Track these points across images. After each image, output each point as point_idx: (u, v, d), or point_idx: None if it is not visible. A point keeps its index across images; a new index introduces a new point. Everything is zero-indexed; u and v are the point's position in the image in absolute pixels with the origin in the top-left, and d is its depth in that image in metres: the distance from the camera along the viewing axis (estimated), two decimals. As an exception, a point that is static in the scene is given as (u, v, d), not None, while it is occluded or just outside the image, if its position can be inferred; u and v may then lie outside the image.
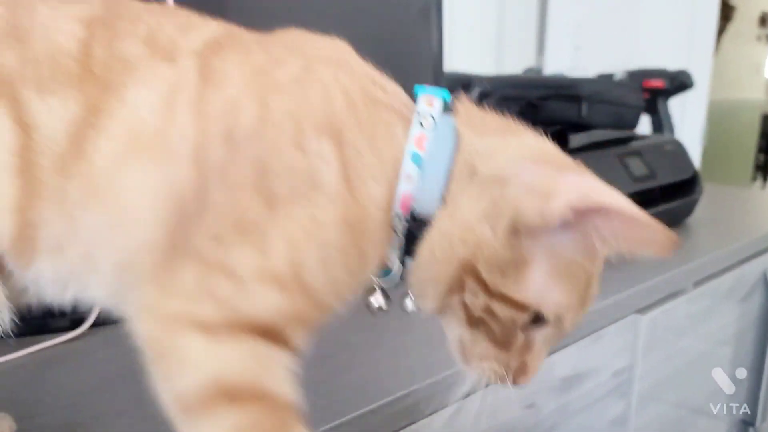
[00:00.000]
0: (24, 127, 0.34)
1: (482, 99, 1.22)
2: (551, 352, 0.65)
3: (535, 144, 0.40)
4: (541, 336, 0.40)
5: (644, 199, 1.01)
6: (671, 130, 1.47)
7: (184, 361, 0.33)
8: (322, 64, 0.39)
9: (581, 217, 0.35)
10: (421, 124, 0.39)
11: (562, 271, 0.38)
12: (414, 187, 0.38)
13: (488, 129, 0.40)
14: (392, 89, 0.42)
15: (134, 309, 0.34)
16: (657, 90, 1.48)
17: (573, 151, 0.93)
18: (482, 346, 0.40)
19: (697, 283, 0.89)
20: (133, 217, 0.35)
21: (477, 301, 0.38)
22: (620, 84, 1.19)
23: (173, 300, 0.34)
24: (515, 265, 0.37)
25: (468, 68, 1.34)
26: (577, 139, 0.97)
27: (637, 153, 1.05)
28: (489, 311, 0.38)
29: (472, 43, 1.63)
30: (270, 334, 0.34)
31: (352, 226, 0.36)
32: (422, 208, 0.38)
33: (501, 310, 0.38)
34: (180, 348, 0.33)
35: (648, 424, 0.85)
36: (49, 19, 0.36)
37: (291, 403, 0.34)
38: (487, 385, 0.43)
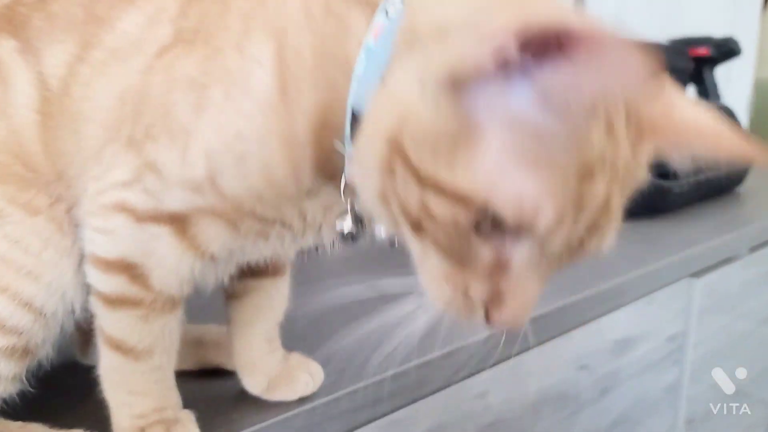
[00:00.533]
0: (41, 84, 0.37)
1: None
2: (603, 313, 0.65)
3: None
4: (521, 255, 0.29)
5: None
6: (718, 99, 1.42)
7: (109, 235, 0.35)
8: None
9: (539, 53, 0.24)
10: (387, 12, 0.32)
11: (529, 152, 0.27)
12: (361, 84, 0.31)
13: None
14: None
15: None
16: (702, 58, 1.43)
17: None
18: (433, 262, 0.30)
19: (753, 249, 0.86)
20: (98, 110, 0.36)
21: (410, 193, 0.28)
22: (669, 47, 1.15)
23: (115, 191, 0.35)
24: (453, 139, 0.27)
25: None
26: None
27: (687, 119, 1.02)
28: (425, 209, 0.28)
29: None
30: (180, 223, 0.34)
31: (280, 138, 0.32)
32: (363, 104, 0.31)
33: (437, 205, 0.28)
34: (111, 227, 0.35)
35: (702, 393, 0.83)
36: None
37: (171, 296, 0.36)
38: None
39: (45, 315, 0.37)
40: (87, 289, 0.37)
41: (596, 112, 0.27)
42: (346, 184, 0.33)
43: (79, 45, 0.36)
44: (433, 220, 0.28)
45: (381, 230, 0.35)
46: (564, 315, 0.61)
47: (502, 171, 0.27)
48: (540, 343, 0.59)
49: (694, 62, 1.46)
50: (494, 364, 0.55)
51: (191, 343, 0.45)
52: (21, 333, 0.36)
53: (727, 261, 0.82)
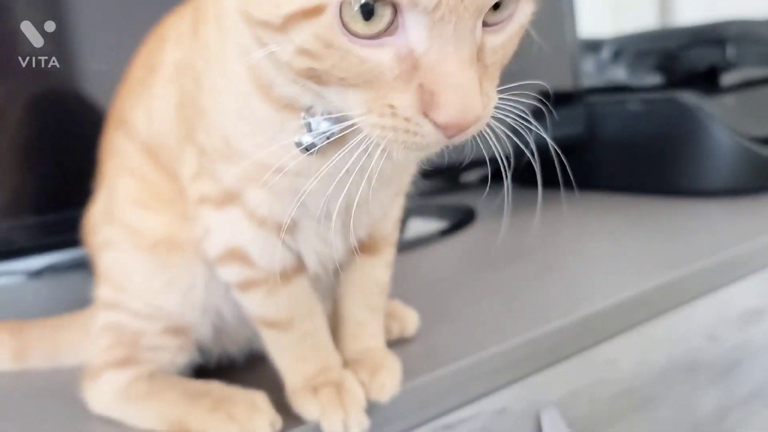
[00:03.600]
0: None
1: (616, 57, 1.20)
2: (727, 284, 0.65)
3: None
4: (416, 33, 0.27)
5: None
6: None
7: (209, 231, 0.40)
8: None
9: None
10: None
11: None
12: None
13: None
14: None
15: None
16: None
17: (726, 91, 0.90)
18: (349, 98, 0.30)
19: None
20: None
21: (284, 49, 0.29)
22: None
23: (193, 185, 0.40)
24: None
25: (584, 33, 1.31)
26: (729, 78, 0.92)
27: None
28: (303, 51, 0.28)
29: (590, 6, 1.59)
30: (239, 200, 0.38)
31: (235, 86, 0.35)
32: None
33: (302, 37, 0.28)
34: (205, 220, 0.40)
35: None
36: (132, 72, 0.46)
37: (278, 267, 0.39)
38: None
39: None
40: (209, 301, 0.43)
41: None
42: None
43: (147, 102, 0.43)
44: (313, 57, 0.28)
45: (320, 125, 0.34)
46: (688, 282, 0.61)
47: None
48: (664, 311, 0.60)
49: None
50: (623, 331, 0.56)
51: None
52: (170, 317, 0.43)
53: None
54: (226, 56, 0.35)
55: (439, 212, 0.91)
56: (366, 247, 0.44)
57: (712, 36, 1.07)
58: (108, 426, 0.41)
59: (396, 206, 0.45)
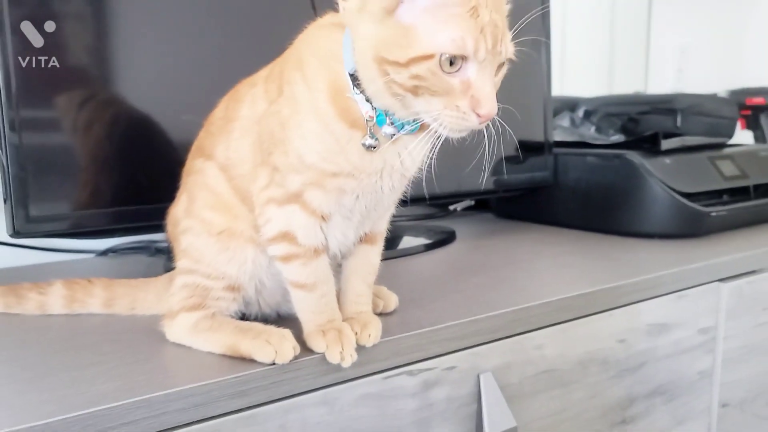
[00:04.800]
0: (221, 169, 0.63)
1: (587, 117, 1.42)
2: (639, 301, 0.84)
3: None
4: (472, 72, 0.50)
5: (735, 195, 1.16)
6: (773, 142, 1.57)
7: (269, 222, 0.59)
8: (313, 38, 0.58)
9: None
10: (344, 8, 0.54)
11: (437, 15, 0.49)
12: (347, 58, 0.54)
13: None
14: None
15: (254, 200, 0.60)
16: (759, 106, 1.59)
17: (666, 153, 1.10)
18: (433, 103, 0.51)
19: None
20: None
21: (401, 76, 0.50)
22: (714, 97, 1.33)
23: (263, 192, 0.59)
24: (404, 34, 0.49)
25: (581, 93, 1.53)
26: (670, 143, 1.12)
27: (729, 156, 1.19)
28: (417, 77, 0.49)
29: (585, 71, 1.81)
30: (300, 200, 0.57)
31: (320, 118, 0.55)
32: (352, 68, 0.54)
33: (419, 68, 0.49)
34: (268, 215, 0.58)
35: (736, 382, 0.98)
36: (216, 112, 0.66)
37: (313, 247, 0.58)
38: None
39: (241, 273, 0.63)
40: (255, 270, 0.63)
41: None
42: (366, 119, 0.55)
43: (227, 138, 0.62)
44: (421, 79, 0.49)
45: (388, 130, 0.55)
46: (606, 296, 0.80)
47: (436, 32, 0.49)
48: (586, 315, 0.79)
49: (751, 110, 1.62)
50: (550, 325, 0.76)
51: None
52: (230, 279, 0.62)
53: (756, 272, 0.99)
54: (316, 102, 0.55)
55: (427, 233, 1.11)
56: (367, 238, 0.65)
57: (666, 106, 1.28)
58: (180, 349, 0.61)
59: (391, 210, 0.66)
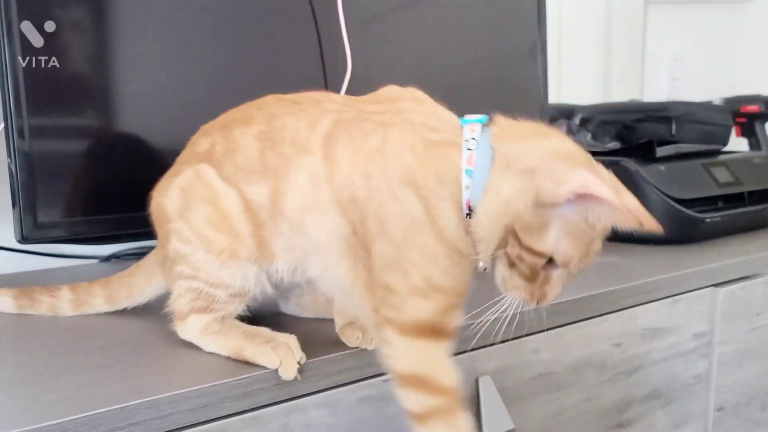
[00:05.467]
0: (245, 200, 0.60)
1: (583, 124, 1.44)
2: (634, 305, 0.85)
3: (560, 144, 0.55)
4: (556, 274, 0.55)
5: (729, 201, 1.17)
6: (768, 150, 1.59)
7: (391, 347, 0.55)
8: (394, 131, 0.57)
9: (580, 199, 0.50)
10: (468, 148, 0.55)
11: (570, 233, 0.52)
12: (470, 192, 0.54)
13: (519, 136, 0.56)
14: (444, 124, 0.58)
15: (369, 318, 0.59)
16: (753, 114, 1.61)
17: (661, 160, 1.12)
18: (516, 280, 0.55)
19: (775, 269, 1.04)
20: (320, 244, 0.60)
21: (514, 251, 0.53)
22: (708, 105, 1.35)
23: (377, 313, 0.56)
24: (539, 227, 0.52)
25: (577, 101, 1.55)
26: (665, 150, 1.14)
27: (724, 163, 1.21)
28: (520, 258, 0.53)
29: (581, 79, 1.83)
30: (435, 331, 0.55)
31: (443, 238, 0.54)
32: (474, 200, 0.54)
33: (528, 257, 0.53)
34: (388, 338, 0.55)
35: (731, 386, 1.00)
36: (240, 137, 0.62)
37: (458, 391, 0.54)
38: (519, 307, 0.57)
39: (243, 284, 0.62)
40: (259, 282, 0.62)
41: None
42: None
43: (272, 189, 0.59)
44: (523, 262, 0.53)
45: (481, 264, 0.57)
46: (601, 300, 0.82)
47: (559, 242, 0.52)
48: (581, 320, 0.81)
49: (746, 118, 1.64)
50: (545, 330, 0.77)
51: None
52: (234, 288, 0.62)
53: (749, 277, 1.01)
54: (443, 223, 0.55)
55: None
56: None
57: (661, 113, 1.30)
58: (186, 352, 0.62)
59: None
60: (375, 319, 0.56)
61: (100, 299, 0.73)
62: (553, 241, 0.52)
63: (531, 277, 0.54)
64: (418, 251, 0.54)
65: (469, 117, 0.58)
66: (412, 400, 0.54)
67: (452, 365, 0.55)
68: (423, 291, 0.54)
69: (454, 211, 0.55)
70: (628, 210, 0.50)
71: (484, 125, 0.57)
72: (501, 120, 0.57)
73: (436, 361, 0.55)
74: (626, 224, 0.51)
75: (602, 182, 0.50)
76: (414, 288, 0.54)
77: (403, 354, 0.55)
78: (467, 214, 0.55)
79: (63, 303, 0.73)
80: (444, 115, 0.60)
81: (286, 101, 0.64)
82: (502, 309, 0.57)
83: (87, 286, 0.74)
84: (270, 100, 0.65)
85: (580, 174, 0.51)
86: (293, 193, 0.59)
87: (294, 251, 0.61)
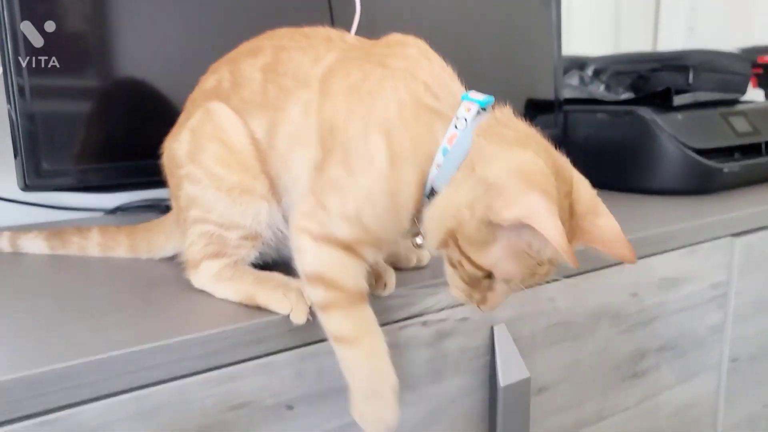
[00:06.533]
0: (252, 135, 0.60)
1: (597, 75, 1.40)
2: (651, 255, 0.83)
3: (532, 160, 0.50)
4: (500, 286, 0.53)
5: (746, 152, 1.15)
6: (784, 101, 1.55)
7: (303, 254, 0.55)
8: (392, 78, 0.55)
9: (524, 226, 0.47)
10: (456, 126, 0.53)
11: (514, 255, 0.50)
12: (439, 172, 0.52)
13: (502, 138, 0.51)
14: (445, 93, 0.55)
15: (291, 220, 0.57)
16: (770, 65, 1.57)
17: (678, 109, 1.09)
18: (458, 281, 0.53)
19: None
20: (298, 178, 0.59)
21: (454, 255, 0.51)
22: (727, 53, 1.31)
23: (301, 219, 0.56)
24: (482, 242, 0.50)
25: (586, 52, 1.51)
26: (682, 99, 1.11)
27: (742, 113, 1.18)
28: (460, 264, 0.51)
29: (591, 29, 1.78)
30: (348, 248, 0.54)
31: (392, 198, 0.53)
32: (438, 185, 0.53)
33: (467, 266, 0.51)
34: (302, 246, 0.55)
35: (746, 337, 0.99)
36: (247, 70, 0.62)
37: (359, 291, 0.54)
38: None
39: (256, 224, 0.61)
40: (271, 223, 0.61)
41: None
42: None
43: (269, 122, 0.60)
44: (463, 268, 0.51)
45: (419, 241, 0.58)
46: (617, 249, 0.80)
47: (500, 261, 0.50)
48: (598, 268, 0.79)
49: (763, 69, 1.60)
50: (562, 278, 0.75)
51: None
52: (246, 229, 0.61)
53: (767, 227, 0.98)
54: (399, 188, 0.54)
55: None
56: None
57: (678, 62, 1.27)
58: (195, 298, 0.61)
59: None
60: (297, 224, 0.56)
61: (123, 248, 0.75)
62: (495, 258, 0.50)
63: (472, 282, 0.53)
64: (364, 192, 0.53)
65: (474, 95, 0.54)
66: (316, 294, 0.54)
67: (360, 275, 0.55)
68: (351, 220, 0.54)
69: (414, 183, 0.53)
70: (562, 250, 0.45)
71: (483, 108, 0.54)
72: (501, 112, 0.54)
73: (343, 267, 0.54)
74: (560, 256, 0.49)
75: (551, 213, 0.46)
76: (345, 215, 0.54)
77: (313, 258, 0.55)
78: (430, 195, 0.53)
79: (92, 245, 0.75)
80: (449, 83, 0.57)
81: (298, 34, 0.62)
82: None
83: (114, 233, 0.76)
84: (282, 32, 0.64)
85: (531, 201, 0.46)
86: (286, 124, 0.59)
87: (288, 192, 0.61)
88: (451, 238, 0.51)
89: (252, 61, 0.62)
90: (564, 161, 0.53)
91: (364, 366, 0.54)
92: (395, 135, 0.53)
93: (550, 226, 0.45)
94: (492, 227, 0.49)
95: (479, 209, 0.49)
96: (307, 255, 0.55)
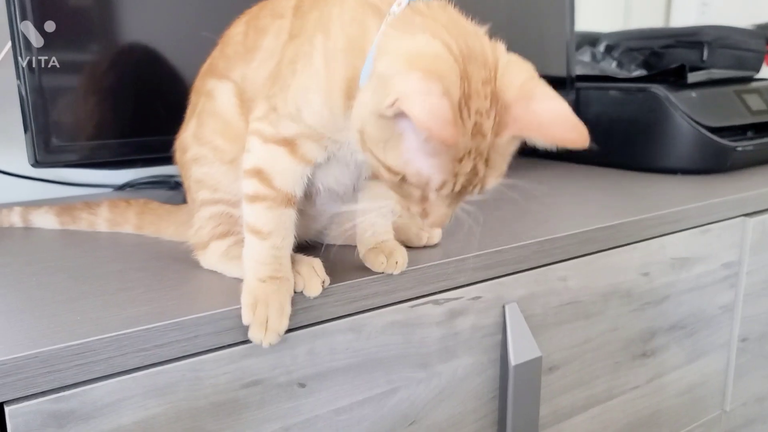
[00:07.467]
0: (238, 93, 0.60)
1: (609, 51, 1.38)
2: (663, 234, 0.82)
3: (423, 44, 0.46)
4: (433, 196, 0.49)
5: (759, 130, 1.13)
6: (798, 78, 1.53)
7: (250, 153, 0.56)
8: None
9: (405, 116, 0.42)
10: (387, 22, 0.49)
11: (420, 149, 0.45)
12: (364, 68, 0.49)
13: (407, 27, 0.48)
14: None
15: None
16: (785, 41, 1.54)
17: (691, 86, 1.07)
18: (392, 194, 0.51)
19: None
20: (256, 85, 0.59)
21: (370, 159, 0.48)
22: (741, 29, 1.28)
23: (254, 122, 0.56)
24: (386, 140, 0.46)
25: (595, 28, 1.48)
26: (696, 76, 1.09)
27: (756, 90, 1.16)
28: (377, 171, 0.48)
29: (601, 4, 1.75)
30: (291, 144, 0.54)
31: (325, 93, 0.52)
32: (362, 82, 0.49)
33: (383, 171, 0.48)
34: (251, 147, 0.56)
35: (757, 316, 0.98)
36: (232, 29, 0.64)
37: (288, 194, 0.55)
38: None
39: None
40: None
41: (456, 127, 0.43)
42: None
43: (246, 64, 0.60)
44: (382, 176, 0.48)
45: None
46: (630, 228, 0.80)
47: (412, 159, 0.46)
48: (610, 248, 0.79)
49: (776, 45, 1.56)
50: (574, 257, 0.75)
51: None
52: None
53: (780, 206, 0.98)
54: (330, 85, 0.52)
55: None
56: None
57: (691, 39, 1.24)
58: (206, 276, 0.61)
59: None
60: (250, 128, 0.57)
61: (130, 226, 0.76)
62: (403, 158, 0.46)
63: (402, 194, 0.49)
64: (302, 90, 0.53)
65: None
66: (249, 186, 0.55)
67: (296, 182, 0.55)
68: (293, 117, 0.54)
69: (345, 79, 0.51)
70: (429, 130, 0.40)
71: (411, 2, 0.50)
72: (427, 2, 0.50)
73: (282, 168, 0.55)
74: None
75: (427, 92, 0.41)
76: (288, 113, 0.54)
77: (257, 155, 0.56)
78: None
79: (100, 221, 0.77)
80: None
81: None
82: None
83: (123, 209, 0.76)
84: None
85: (406, 82, 0.42)
86: (259, 55, 0.59)
87: None
88: (362, 141, 0.48)
89: (238, 22, 0.64)
90: (491, 47, 0.48)
91: (268, 254, 0.55)
92: (332, 33, 0.52)
93: (417, 105, 0.40)
94: (389, 122, 0.45)
95: (372, 103, 0.45)
96: (252, 154, 0.56)
